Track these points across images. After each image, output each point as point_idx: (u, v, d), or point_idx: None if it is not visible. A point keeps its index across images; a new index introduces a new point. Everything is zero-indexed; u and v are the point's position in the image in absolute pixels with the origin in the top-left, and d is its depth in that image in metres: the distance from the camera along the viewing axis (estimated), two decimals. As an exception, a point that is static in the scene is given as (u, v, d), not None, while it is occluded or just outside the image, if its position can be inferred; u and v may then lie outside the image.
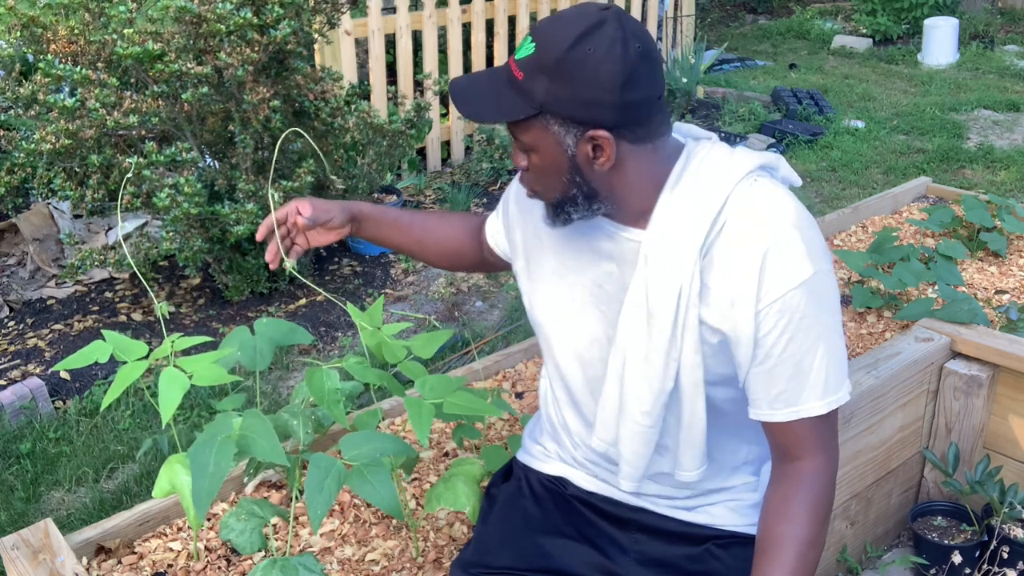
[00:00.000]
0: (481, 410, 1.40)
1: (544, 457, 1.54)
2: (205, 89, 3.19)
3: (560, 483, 1.51)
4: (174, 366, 1.31)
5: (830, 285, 1.23)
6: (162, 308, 1.38)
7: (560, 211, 1.26)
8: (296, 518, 1.71)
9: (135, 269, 1.47)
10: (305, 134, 1.56)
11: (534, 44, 1.17)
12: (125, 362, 1.35)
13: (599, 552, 1.43)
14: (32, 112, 3.28)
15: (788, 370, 1.22)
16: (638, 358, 1.27)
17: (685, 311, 1.22)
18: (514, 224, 1.46)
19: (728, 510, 1.43)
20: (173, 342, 1.34)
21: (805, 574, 1.25)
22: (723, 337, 1.24)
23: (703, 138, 1.31)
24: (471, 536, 1.54)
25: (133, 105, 3.19)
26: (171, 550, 1.64)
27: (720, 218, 1.21)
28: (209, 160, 3.57)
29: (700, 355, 1.25)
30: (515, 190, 1.48)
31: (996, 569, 1.90)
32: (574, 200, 1.24)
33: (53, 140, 3.18)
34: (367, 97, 4.90)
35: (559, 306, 1.38)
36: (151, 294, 1.58)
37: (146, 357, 1.37)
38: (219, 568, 1.60)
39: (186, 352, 1.38)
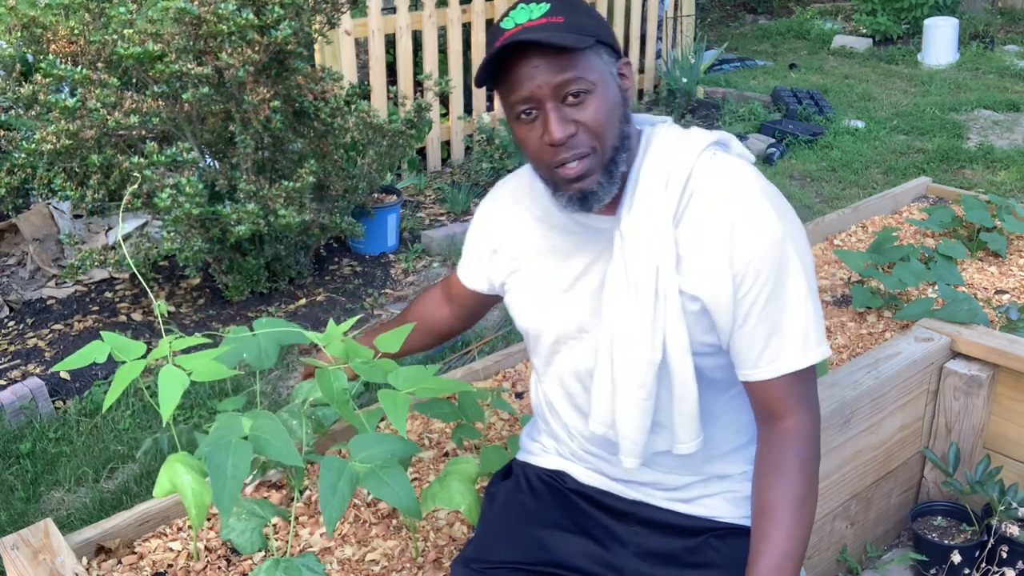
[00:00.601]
0: (453, 388, 1.41)
1: (542, 453, 1.56)
2: (205, 89, 3.19)
3: (559, 477, 1.52)
4: (173, 364, 1.31)
5: (803, 244, 1.28)
6: (161, 307, 1.38)
7: (613, 165, 1.26)
8: (296, 518, 1.71)
9: (135, 271, 1.47)
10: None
11: (544, 2, 1.22)
12: (124, 362, 1.35)
13: (597, 544, 1.44)
14: (33, 112, 3.28)
15: (768, 327, 1.26)
16: (625, 333, 1.30)
17: (665, 283, 1.27)
18: (489, 247, 1.49)
19: (726, 502, 1.44)
20: (171, 342, 1.34)
21: (803, 530, 1.29)
22: (702, 304, 1.28)
23: (659, 123, 1.36)
24: (471, 535, 1.55)
25: (134, 105, 3.19)
26: (171, 550, 1.64)
27: (687, 190, 1.27)
28: (209, 160, 3.57)
29: (684, 323, 1.28)
30: (479, 220, 1.51)
31: (995, 569, 1.90)
32: (624, 143, 1.27)
33: (54, 140, 3.18)
34: (367, 97, 4.90)
35: (542, 306, 1.41)
36: (150, 295, 1.58)
37: (144, 356, 1.37)
38: (219, 568, 1.60)
39: (185, 352, 1.38)
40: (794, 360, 1.27)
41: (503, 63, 1.22)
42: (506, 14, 1.24)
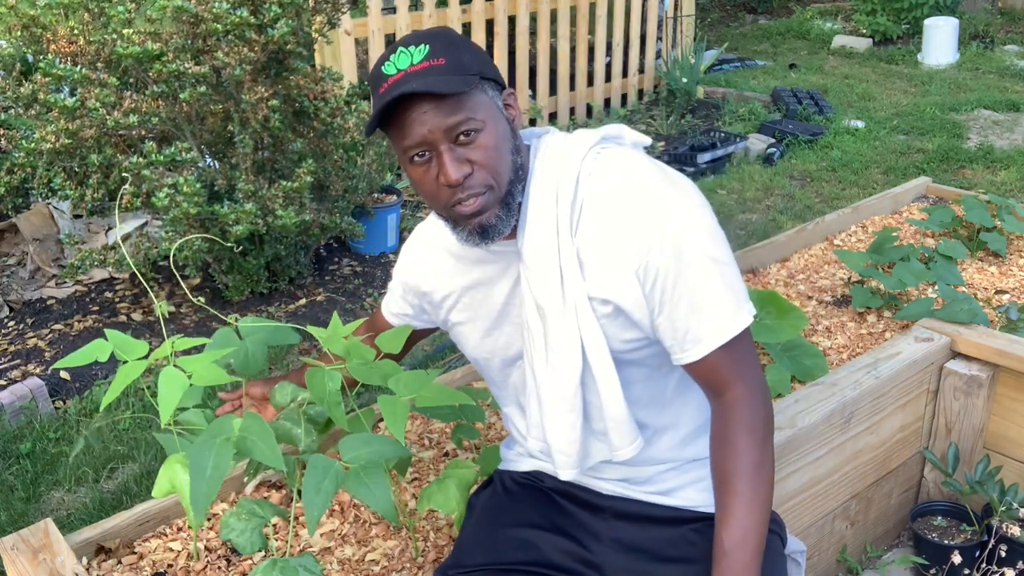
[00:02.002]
0: (453, 398, 1.41)
1: (518, 458, 1.57)
2: (203, 89, 3.19)
3: (535, 476, 1.53)
4: (174, 366, 1.31)
5: (699, 218, 1.26)
6: (162, 307, 1.38)
7: (510, 197, 1.27)
8: (296, 518, 1.71)
9: (136, 271, 1.47)
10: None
11: (422, 44, 1.22)
12: (125, 362, 1.35)
13: (574, 541, 1.44)
14: (32, 112, 3.28)
15: (683, 310, 1.26)
16: (541, 350, 1.32)
17: (572, 292, 1.28)
18: (418, 290, 1.49)
19: (700, 491, 1.44)
20: (173, 343, 1.33)
21: (762, 500, 1.28)
22: (614, 305, 1.28)
23: (543, 134, 1.36)
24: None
25: (133, 105, 3.19)
26: (171, 550, 1.64)
27: (577, 197, 1.28)
28: (209, 160, 3.57)
29: (598, 327, 1.29)
30: (404, 262, 1.51)
31: (995, 569, 1.90)
32: (518, 174, 1.28)
33: (53, 139, 3.18)
34: (367, 97, 4.90)
35: (484, 337, 1.43)
36: (151, 294, 1.58)
37: (146, 357, 1.37)
38: (219, 568, 1.60)
39: (186, 353, 1.38)
40: (716, 335, 1.27)
41: (391, 110, 1.22)
42: (386, 57, 1.23)
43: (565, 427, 1.35)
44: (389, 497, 1.30)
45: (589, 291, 1.28)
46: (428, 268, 1.46)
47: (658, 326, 1.29)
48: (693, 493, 1.44)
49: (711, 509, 1.42)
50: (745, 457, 1.28)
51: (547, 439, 1.38)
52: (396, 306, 1.57)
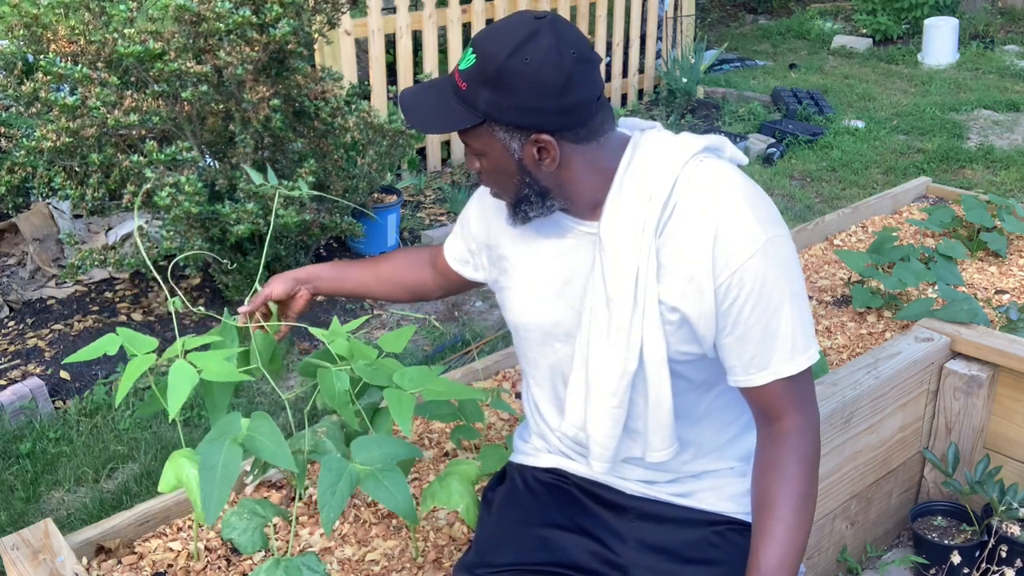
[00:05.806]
0: (460, 393, 1.41)
1: (534, 452, 1.56)
2: (205, 88, 3.19)
3: (557, 474, 1.52)
4: (186, 361, 1.31)
5: (786, 249, 1.28)
6: (175, 303, 1.40)
7: (518, 210, 1.33)
8: (296, 518, 1.71)
9: (148, 264, 1.48)
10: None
11: (475, 56, 1.22)
12: (126, 365, 1.35)
13: (598, 543, 1.44)
14: (33, 110, 3.28)
15: (756, 335, 1.27)
16: (601, 340, 1.32)
17: (644, 292, 1.27)
18: (479, 240, 1.51)
19: (719, 498, 1.45)
20: (184, 342, 1.34)
21: (804, 529, 1.29)
22: (682, 315, 1.28)
23: (648, 128, 1.35)
24: (471, 538, 1.55)
25: (133, 104, 3.19)
26: (171, 550, 1.64)
27: (671, 200, 1.27)
28: (209, 160, 3.57)
29: (662, 333, 1.29)
30: (473, 208, 1.53)
31: (995, 568, 1.90)
32: (528, 199, 1.31)
33: (54, 138, 3.18)
34: (367, 97, 4.90)
35: (532, 306, 1.41)
36: (164, 289, 1.58)
37: (155, 351, 1.37)
38: (219, 568, 1.60)
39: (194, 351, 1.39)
40: (783, 367, 1.28)
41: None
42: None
43: (609, 421, 1.35)
44: (409, 499, 1.30)
45: (661, 295, 1.28)
46: (497, 222, 1.45)
47: (724, 344, 1.29)
48: (712, 498, 1.45)
49: (730, 513, 1.44)
50: (795, 485, 1.29)
51: (587, 428, 1.38)
52: (456, 250, 1.58)
